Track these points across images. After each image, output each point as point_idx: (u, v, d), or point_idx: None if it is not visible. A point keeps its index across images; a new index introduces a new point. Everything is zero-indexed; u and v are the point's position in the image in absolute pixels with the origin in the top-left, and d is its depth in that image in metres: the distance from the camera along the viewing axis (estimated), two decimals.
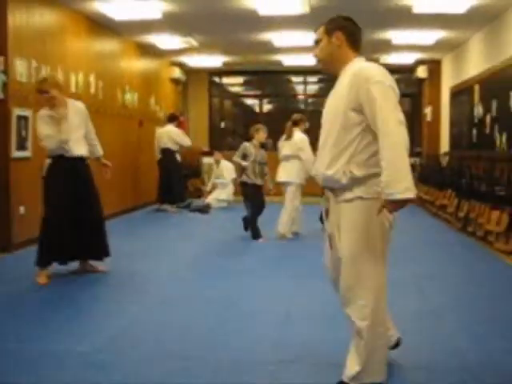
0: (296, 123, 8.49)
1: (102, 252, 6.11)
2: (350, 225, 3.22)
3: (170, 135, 11.76)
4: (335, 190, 3.28)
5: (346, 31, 3.35)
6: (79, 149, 5.87)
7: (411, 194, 2.96)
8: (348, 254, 3.23)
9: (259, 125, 8.66)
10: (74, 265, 6.15)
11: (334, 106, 3.32)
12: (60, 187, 5.77)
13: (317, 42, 3.40)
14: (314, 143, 8.72)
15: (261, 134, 8.45)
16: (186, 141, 12.05)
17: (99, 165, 6.38)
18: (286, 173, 8.43)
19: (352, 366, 3.28)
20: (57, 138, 5.69)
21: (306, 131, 8.60)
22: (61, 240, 5.79)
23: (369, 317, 3.20)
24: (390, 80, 3.13)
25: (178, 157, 11.94)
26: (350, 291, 3.26)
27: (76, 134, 5.84)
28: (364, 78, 3.13)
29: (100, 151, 6.34)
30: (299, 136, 8.38)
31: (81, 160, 5.93)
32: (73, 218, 5.84)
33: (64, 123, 5.72)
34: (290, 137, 8.43)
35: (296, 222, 8.58)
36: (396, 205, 2.99)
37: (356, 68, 3.23)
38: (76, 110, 5.93)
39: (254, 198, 8.42)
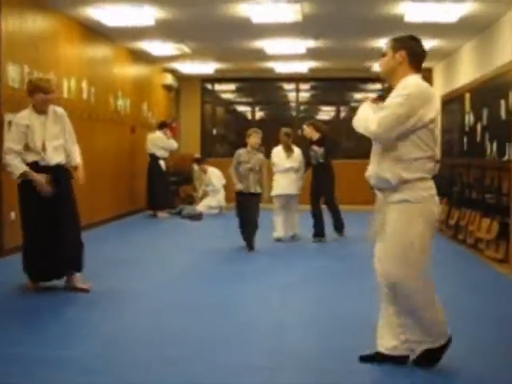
0: (289, 136, 8.97)
1: (76, 265, 5.78)
2: (392, 225, 3.60)
3: (154, 141, 12.01)
4: (385, 191, 3.65)
5: (410, 51, 3.75)
6: (57, 157, 5.62)
7: None
8: (389, 253, 3.64)
9: (252, 129, 8.62)
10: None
11: None
12: (36, 198, 5.52)
13: (383, 54, 3.78)
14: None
15: (251, 139, 8.32)
16: (171, 143, 12.18)
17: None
18: (295, 185, 8.89)
19: None
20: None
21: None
22: (43, 256, 5.58)
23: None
24: (415, 94, 3.56)
25: (162, 163, 12.03)
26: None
27: (54, 143, 5.61)
28: (400, 88, 3.62)
29: (76, 160, 5.88)
30: (297, 149, 8.98)
31: (58, 168, 5.66)
32: (52, 231, 5.60)
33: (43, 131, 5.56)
34: (290, 150, 8.93)
35: (295, 225, 9.10)
36: None
37: (402, 83, 3.66)
38: (55, 117, 5.70)
39: (244, 208, 8.09)
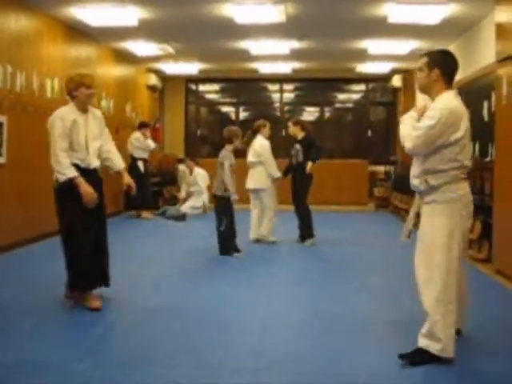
0: (256, 131, 8.78)
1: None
2: (423, 221, 4.06)
3: (131, 142, 11.99)
4: (421, 193, 4.11)
5: (445, 69, 4.06)
6: (96, 160, 5.27)
7: None
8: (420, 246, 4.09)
9: (236, 129, 8.39)
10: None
11: None
12: (78, 204, 5.06)
13: (419, 69, 4.11)
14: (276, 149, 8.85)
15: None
16: (148, 144, 12.11)
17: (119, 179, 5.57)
18: (254, 180, 8.59)
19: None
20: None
21: (270, 137, 8.90)
22: (86, 264, 5.17)
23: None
24: (446, 116, 3.87)
25: (141, 163, 11.97)
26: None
27: (94, 144, 5.26)
28: (432, 109, 3.97)
29: (121, 164, 5.55)
30: (259, 142, 8.66)
31: (95, 172, 5.30)
32: (93, 239, 5.22)
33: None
34: (248, 145, 8.73)
35: (263, 226, 8.75)
36: None
37: (436, 101, 4.01)
38: (94, 117, 5.36)
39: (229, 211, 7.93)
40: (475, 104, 8.87)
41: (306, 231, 8.71)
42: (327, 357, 4.02)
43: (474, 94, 8.99)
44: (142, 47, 11.43)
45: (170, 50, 11.57)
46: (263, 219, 8.68)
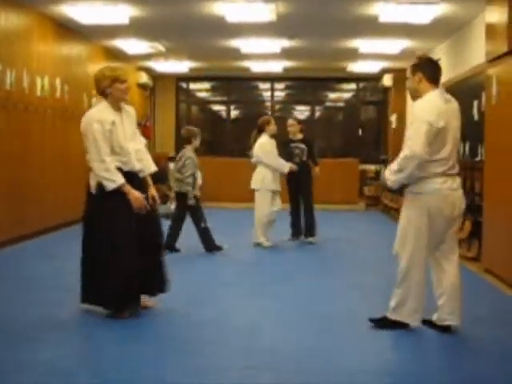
0: (261, 129, 8.40)
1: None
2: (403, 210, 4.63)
3: None
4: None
5: (426, 71, 4.48)
6: (137, 162, 4.85)
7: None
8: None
9: (195, 129, 8.15)
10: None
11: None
12: (127, 215, 4.71)
13: (407, 77, 4.63)
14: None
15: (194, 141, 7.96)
16: None
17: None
18: (253, 180, 8.46)
19: None
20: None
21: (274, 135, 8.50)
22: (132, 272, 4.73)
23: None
24: (420, 112, 4.36)
25: None
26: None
27: (132, 145, 4.85)
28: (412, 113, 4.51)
29: (153, 167, 5.10)
30: (259, 141, 8.35)
31: (138, 175, 4.91)
32: (140, 243, 4.78)
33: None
34: (252, 145, 8.43)
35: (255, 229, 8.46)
36: None
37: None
38: (128, 116, 4.97)
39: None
40: (465, 104, 8.88)
41: (313, 228, 8.74)
42: (317, 355, 4.03)
43: (464, 93, 9.01)
44: (132, 45, 11.40)
45: (161, 48, 11.55)
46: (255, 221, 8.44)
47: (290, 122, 8.95)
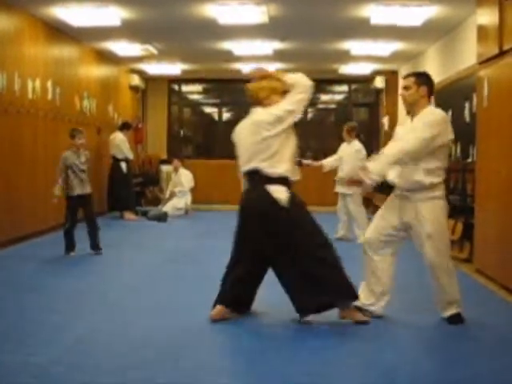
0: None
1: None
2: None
3: (113, 142, 11.91)
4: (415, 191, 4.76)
5: (430, 87, 4.83)
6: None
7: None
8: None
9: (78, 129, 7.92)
10: None
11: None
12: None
13: (406, 87, 4.78)
14: None
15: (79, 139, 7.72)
16: (126, 152, 12.00)
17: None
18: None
19: None
20: None
21: None
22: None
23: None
24: (438, 121, 4.70)
25: (123, 164, 11.91)
26: None
27: None
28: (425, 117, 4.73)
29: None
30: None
31: None
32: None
33: None
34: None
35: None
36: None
37: (426, 112, 4.76)
38: None
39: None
40: (457, 105, 8.94)
41: None
42: (311, 356, 4.03)
43: (456, 95, 9.05)
44: (124, 47, 11.38)
45: (153, 50, 11.54)
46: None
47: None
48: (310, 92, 4.71)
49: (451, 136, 4.79)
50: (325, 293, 4.66)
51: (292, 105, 4.67)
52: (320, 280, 4.65)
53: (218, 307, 4.87)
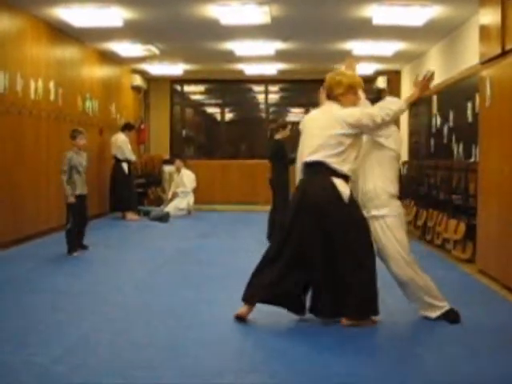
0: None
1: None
2: None
3: (115, 143, 11.90)
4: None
5: None
6: None
7: None
8: None
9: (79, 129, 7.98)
10: None
11: None
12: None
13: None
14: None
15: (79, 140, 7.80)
16: (127, 153, 12.00)
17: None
18: None
19: None
20: None
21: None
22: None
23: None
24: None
25: (125, 165, 11.90)
26: None
27: None
28: None
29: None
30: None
31: None
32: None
33: None
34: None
35: None
36: None
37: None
38: None
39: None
40: (459, 105, 8.93)
41: None
42: (311, 357, 4.03)
43: (458, 95, 9.04)
44: (126, 48, 11.39)
45: (155, 50, 11.54)
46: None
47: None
48: (372, 126, 4.78)
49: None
50: (350, 306, 4.58)
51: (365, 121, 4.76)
52: (351, 290, 4.55)
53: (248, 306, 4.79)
